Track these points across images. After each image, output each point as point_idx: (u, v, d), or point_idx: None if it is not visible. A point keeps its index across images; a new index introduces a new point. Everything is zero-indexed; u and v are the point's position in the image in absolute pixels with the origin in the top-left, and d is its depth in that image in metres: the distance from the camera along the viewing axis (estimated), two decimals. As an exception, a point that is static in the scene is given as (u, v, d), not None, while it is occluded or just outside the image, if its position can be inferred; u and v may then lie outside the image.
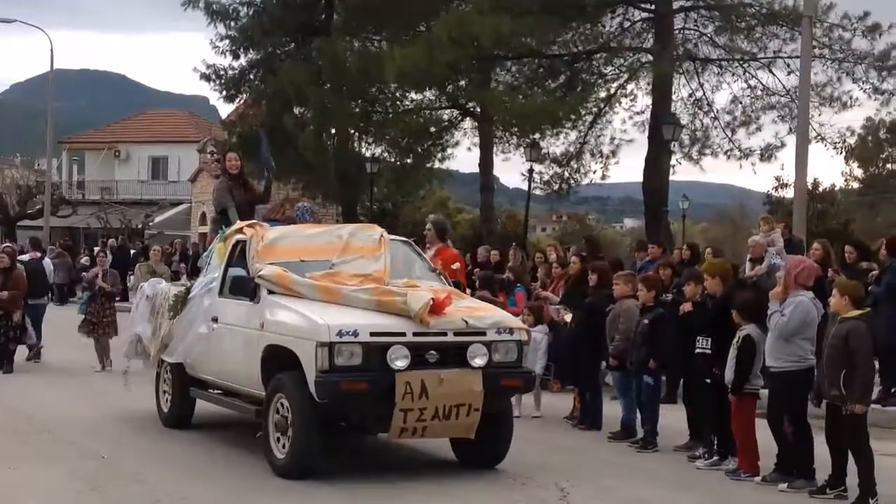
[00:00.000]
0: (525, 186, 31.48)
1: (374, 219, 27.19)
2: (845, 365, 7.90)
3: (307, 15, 32.27)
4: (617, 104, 29.66)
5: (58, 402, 12.37)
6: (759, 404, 9.14)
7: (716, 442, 9.42)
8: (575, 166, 30.62)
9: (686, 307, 9.88)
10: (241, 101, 34.43)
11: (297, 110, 31.31)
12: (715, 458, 9.35)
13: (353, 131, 32.07)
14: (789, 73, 26.89)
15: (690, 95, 28.77)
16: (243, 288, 9.23)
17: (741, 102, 28.27)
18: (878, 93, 26.67)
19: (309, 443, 8.35)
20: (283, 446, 8.49)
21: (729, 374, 8.89)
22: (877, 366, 9.22)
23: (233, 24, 32.13)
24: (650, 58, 27.34)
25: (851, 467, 8.15)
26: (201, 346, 9.90)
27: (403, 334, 8.29)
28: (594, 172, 30.64)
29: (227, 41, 32.16)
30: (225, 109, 48.59)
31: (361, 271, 9.20)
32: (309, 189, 31.56)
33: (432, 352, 8.31)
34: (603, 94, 29.55)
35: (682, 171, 30.88)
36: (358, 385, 8.11)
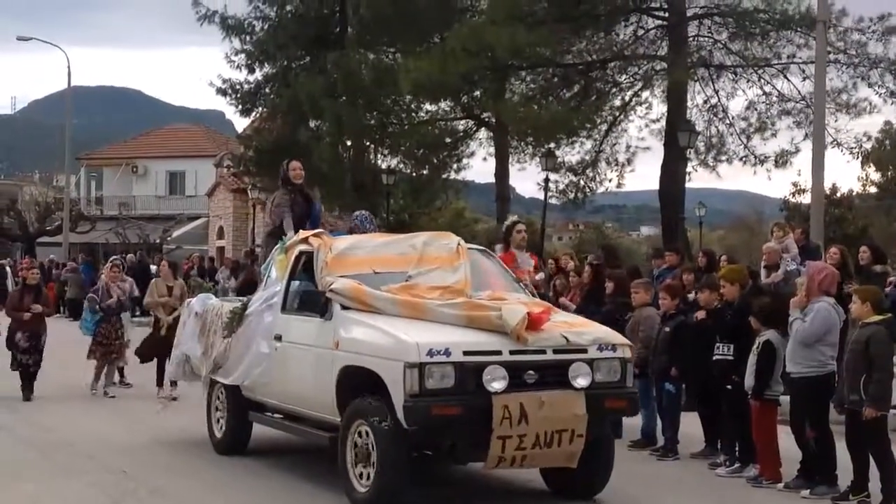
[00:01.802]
0: (541, 195, 31.53)
1: (391, 230, 27.24)
2: (865, 370, 7.88)
3: (322, 28, 32.44)
4: (632, 112, 29.66)
5: (78, 418, 12.35)
6: (781, 411, 9.11)
7: (737, 449, 9.39)
8: (591, 175, 30.62)
9: (700, 315, 9.86)
10: (257, 115, 34.61)
11: (312, 123, 31.48)
12: (736, 465, 9.32)
13: (368, 143, 32.20)
14: (804, 79, 26.82)
15: (705, 102, 28.73)
16: (313, 303, 8.46)
17: (756, 109, 28.21)
18: (893, 97, 26.55)
19: (397, 474, 7.56)
20: (363, 477, 7.72)
21: (749, 380, 8.87)
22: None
23: (248, 38, 32.35)
24: (664, 65, 27.32)
25: (874, 472, 8.11)
26: (262, 366, 9.06)
27: (499, 353, 7.51)
28: (610, 181, 30.65)
29: (242, 55, 32.41)
30: (241, 123, 48.89)
31: (440, 283, 8.41)
32: (325, 201, 31.64)
33: (531, 372, 7.53)
34: (618, 103, 29.56)
35: (698, 179, 30.73)
36: (451, 410, 7.33)
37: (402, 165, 33.19)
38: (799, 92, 27.31)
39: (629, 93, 29.29)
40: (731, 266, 11.58)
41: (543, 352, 7.63)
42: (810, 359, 8.43)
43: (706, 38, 28.19)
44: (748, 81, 28.07)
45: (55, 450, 10.29)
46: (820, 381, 8.43)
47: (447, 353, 7.36)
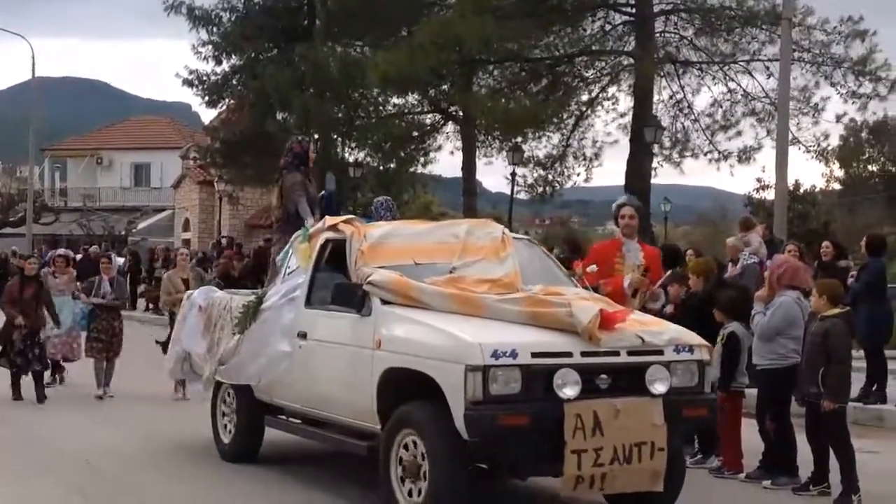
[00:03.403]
0: (508, 190, 31.64)
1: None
2: (824, 363, 8.00)
3: (289, 20, 32.37)
4: (599, 107, 29.82)
5: (58, 417, 12.01)
6: (747, 403, 9.22)
7: (698, 440, 9.51)
8: (559, 169, 30.76)
9: (669, 309, 9.95)
10: (224, 107, 34.49)
11: (279, 115, 31.38)
12: (699, 456, 9.43)
13: (336, 136, 32.14)
14: (769, 77, 27.10)
15: (671, 97, 28.94)
16: (348, 297, 7.56)
17: (721, 106, 28.44)
18: (855, 97, 26.83)
19: (456, 493, 6.72)
20: (412, 494, 6.91)
21: (714, 372, 8.96)
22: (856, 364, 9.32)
23: (215, 29, 32.20)
24: (631, 61, 27.49)
25: (834, 464, 8.23)
26: (282, 366, 8.24)
27: (570, 354, 6.69)
28: (578, 175, 30.82)
29: (209, 46, 32.27)
30: (207, 116, 48.65)
31: (487, 276, 7.60)
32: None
33: (603, 376, 6.72)
34: (585, 97, 29.71)
35: (663, 174, 30.91)
36: (519, 419, 6.48)
37: (369, 159, 33.19)
38: (763, 89, 27.60)
39: (596, 87, 29.46)
40: (698, 259, 11.71)
41: (617, 353, 6.83)
42: (771, 352, 8.55)
43: (672, 34, 28.40)
44: (713, 78, 28.33)
45: (33, 448, 10.06)
46: (780, 374, 8.54)
47: (514, 354, 6.52)
